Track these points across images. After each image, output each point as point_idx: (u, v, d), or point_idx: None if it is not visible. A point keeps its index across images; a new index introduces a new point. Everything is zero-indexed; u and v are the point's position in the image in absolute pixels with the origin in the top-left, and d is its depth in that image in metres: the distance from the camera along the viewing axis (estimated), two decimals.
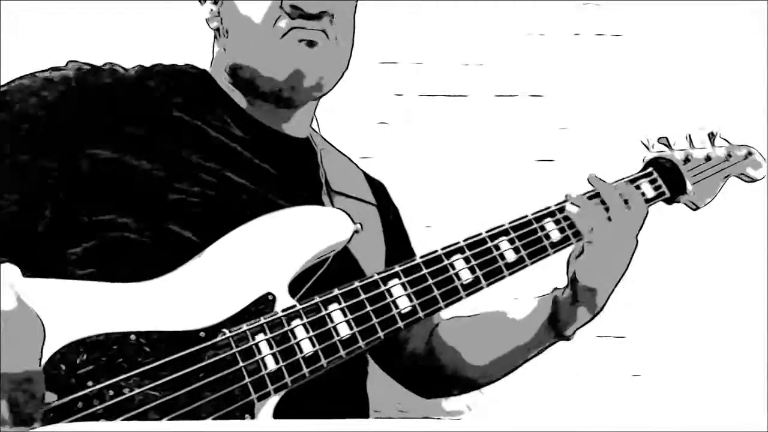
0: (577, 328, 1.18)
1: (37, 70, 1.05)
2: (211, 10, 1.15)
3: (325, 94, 1.19)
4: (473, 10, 1.89)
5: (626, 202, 1.16)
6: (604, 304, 1.17)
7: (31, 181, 0.97)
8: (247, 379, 0.89)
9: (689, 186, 1.28)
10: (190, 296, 0.92)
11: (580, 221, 1.14)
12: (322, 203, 1.14)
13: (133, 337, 0.86)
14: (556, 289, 1.20)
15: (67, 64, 1.07)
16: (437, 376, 1.28)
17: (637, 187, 1.23)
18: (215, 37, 1.17)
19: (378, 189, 1.32)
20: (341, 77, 1.17)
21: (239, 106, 1.14)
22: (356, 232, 1.03)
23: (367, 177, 1.32)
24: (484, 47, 1.89)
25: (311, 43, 1.07)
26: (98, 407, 0.82)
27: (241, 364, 0.89)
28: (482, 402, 1.73)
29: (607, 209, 1.15)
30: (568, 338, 1.19)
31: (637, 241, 1.16)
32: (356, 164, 1.32)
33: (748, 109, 1.80)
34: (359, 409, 1.14)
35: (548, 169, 1.84)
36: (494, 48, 1.89)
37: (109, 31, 1.80)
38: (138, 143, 1.01)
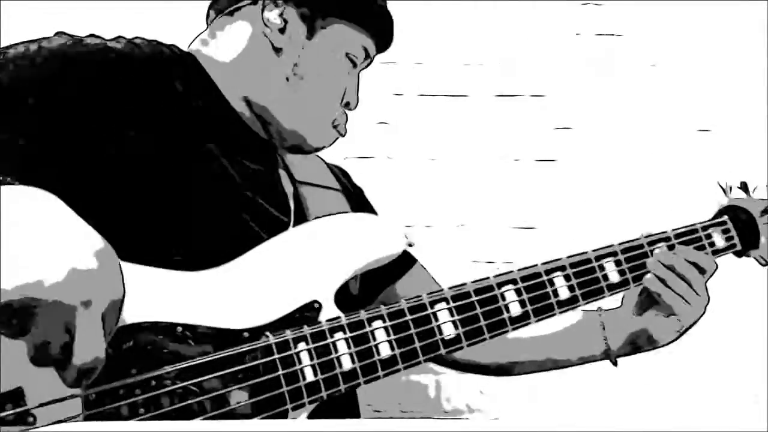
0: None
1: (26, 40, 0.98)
2: (274, 16, 1.09)
3: None
4: (473, 10, 1.89)
5: (695, 265, 1.13)
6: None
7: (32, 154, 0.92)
8: (284, 388, 0.88)
9: (763, 240, 1.22)
10: (239, 293, 0.92)
11: (666, 294, 1.12)
12: (286, 197, 1.13)
13: (179, 328, 0.86)
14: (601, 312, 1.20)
15: (55, 35, 1.00)
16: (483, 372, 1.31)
17: (708, 236, 1.18)
18: (284, 77, 1.10)
19: (339, 174, 1.31)
20: None
21: (223, 97, 1.10)
22: (410, 245, 1.03)
23: (328, 165, 1.31)
24: (484, 47, 1.89)
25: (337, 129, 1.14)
26: (140, 397, 0.81)
27: (281, 371, 0.89)
28: (482, 402, 1.73)
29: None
30: (614, 363, 1.19)
31: (708, 297, 1.15)
32: (318, 156, 1.29)
33: (749, 109, 1.81)
34: (348, 404, 1.13)
35: (548, 169, 1.84)
36: (494, 48, 1.89)
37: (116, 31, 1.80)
38: (189, 135, 1.00)
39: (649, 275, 1.12)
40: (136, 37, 1.08)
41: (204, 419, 0.84)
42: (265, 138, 1.13)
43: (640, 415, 1.75)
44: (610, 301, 1.16)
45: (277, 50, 1.08)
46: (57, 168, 0.92)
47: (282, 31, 1.08)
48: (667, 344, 1.15)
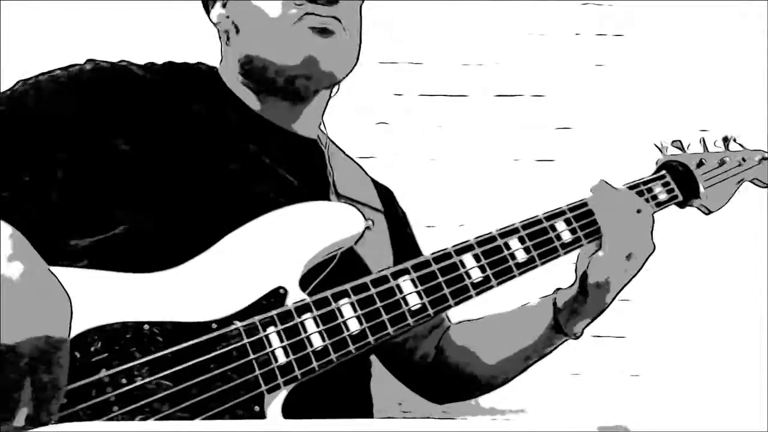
0: (585, 327, 1.18)
1: (54, 68, 1.05)
2: (220, 14, 1.14)
3: (334, 93, 1.20)
4: (473, 10, 1.89)
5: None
6: (611, 302, 1.17)
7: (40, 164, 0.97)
8: (257, 371, 0.89)
9: (702, 190, 1.27)
10: (203, 288, 0.93)
11: (604, 213, 1.14)
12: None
13: (147, 326, 0.87)
14: (558, 290, 1.20)
15: (85, 62, 1.07)
16: (450, 378, 1.28)
17: (650, 190, 1.22)
18: (225, 40, 1.16)
19: (385, 195, 1.32)
20: (352, 69, 1.17)
21: (248, 106, 1.14)
22: (368, 228, 1.03)
23: (375, 183, 1.32)
24: (484, 47, 1.89)
25: (324, 30, 1.07)
26: (111, 394, 0.82)
27: (252, 356, 0.90)
28: (482, 402, 1.73)
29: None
30: (576, 336, 1.19)
31: (654, 245, 1.16)
32: (364, 170, 1.32)
33: (749, 109, 1.81)
34: (363, 409, 1.14)
35: (548, 169, 1.84)
36: (494, 48, 1.89)
37: (118, 32, 1.80)
38: (152, 139, 1.02)
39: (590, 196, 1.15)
40: (169, 62, 1.16)
41: (177, 410, 0.84)
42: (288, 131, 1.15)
43: (639, 415, 1.75)
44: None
45: (226, 39, 1.15)
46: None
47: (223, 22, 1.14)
48: (610, 284, 1.14)
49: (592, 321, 1.18)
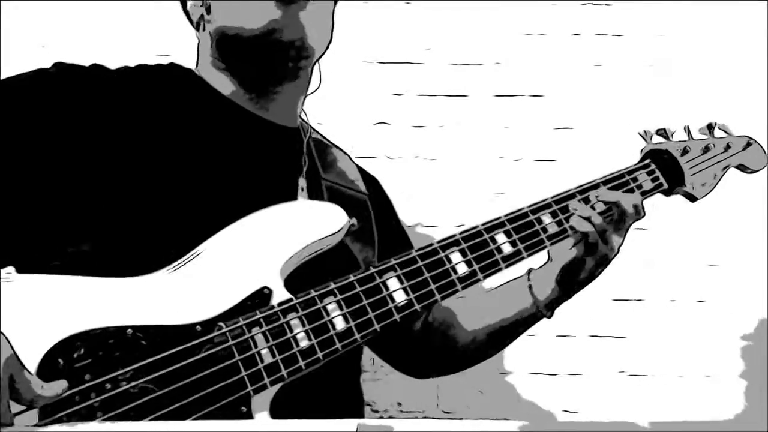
0: (554, 305, 1.19)
1: (22, 72, 1.04)
2: (194, 3, 1.16)
3: (313, 90, 1.21)
4: (473, 10, 1.89)
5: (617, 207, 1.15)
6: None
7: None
8: (243, 372, 0.88)
9: (688, 177, 1.26)
10: (187, 291, 0.92)
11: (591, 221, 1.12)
12: (296, 187, 1.13)
13: (129, 331, 0.86)
14: (530, 271, 1.21)
15: (53, 64, 1.06)
16: (434, 344, 1.29)
17: (635, 179, 1.22)
18: (202, 27, 1.16)
19: (371, 182, 1.32)
20: (326, 48, 1.17)
21: (225, 96, 1.14)
22: (352, 226, 1.02)
23: (361, 171, 1.32)
24: (484, 47, 1.89)
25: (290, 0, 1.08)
26: (95, 399, 0.82)
27: (237, 357, 0.89)
28: (482, 402, 1.73)
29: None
30: (548, 316, 1.20)
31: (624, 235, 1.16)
32: (350, 157, 1.32)
33: (748, 109, 1.81)
34: (354, 404, 1.14)
35: (548, 169, 1.84)
36: (494, 48, 1.89)
37: (98, 34, 1.81)
38: (126, 139, 1.01)
39: (574, 218, 1.13)
40: (142, 64, 1.16)
41: (163, 414, 0.84)
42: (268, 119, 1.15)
43: (639, 415, 1.75)
44: None
45: (203, 26, 1.16)
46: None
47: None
48: (588, 280, 1.16)
49: (561, 301, 1.20)
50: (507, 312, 1.22)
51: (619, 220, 1.14)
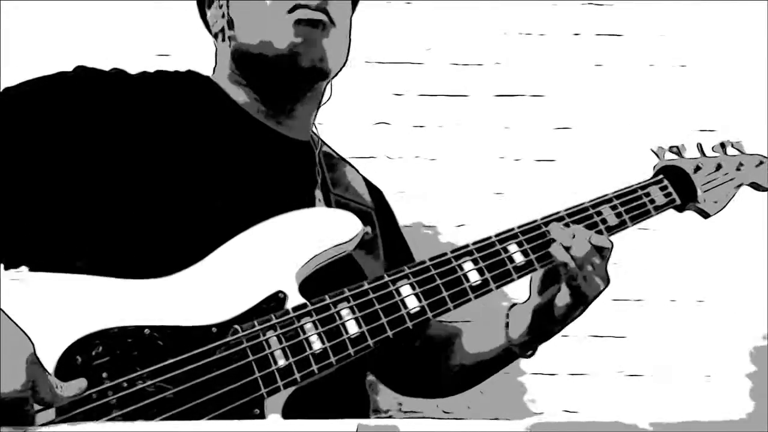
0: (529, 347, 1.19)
1: (44, 74, 1.05)
2: (215, 14, 1.18)
3: (326, 100, 1.22)
4: (473, 10, 1.89)
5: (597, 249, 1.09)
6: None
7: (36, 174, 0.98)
8: (257, 374, 0.89)
9: (700, 193, 1.27)
10: (203, 293, 0.93)
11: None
12: (314, 199, 1.16)
13: (147, 330, 0.88)
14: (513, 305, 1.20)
15: (75, 68, 1.08)
16: (427, 366, 1.30)
17: (648, 194, 1.22)
18: (221, 39, 1.18)
19: (376, 194, 1.34)
20: (342, 67, 1.19)
21: (241, 108, 1.16)
22: (366, 234, 1.04)
23: (367, 182, 1.33)
24: (484, 47, 1.89)
25: (311, 21, 1.10)
26: (112, 397, 0.83)
27: (251, 358, 0.90)
28: (482, 402, 1.73)
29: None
30: (526, 356, 1.19)
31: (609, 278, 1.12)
32: (357, 170, 1.34)
33: (748, 109, 1.81)
34: (360, 406, 1.14)
35: (548, 169, 1.84)
36: (494, 48, 1.89)
37: (115, 37, 1.81)
38: (148, 144, 1.03)
39: (552, 247, 1.09)
40: (161, 70, 1.17)
41: (177, 413, 0.85)
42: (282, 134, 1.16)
43: (639, 415, 1.75)
44: None
45: (215, 35, 1.20)
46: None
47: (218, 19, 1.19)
48: (567, 322, 1.14)
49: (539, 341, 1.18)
50: (483, 347, 1.23)
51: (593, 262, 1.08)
